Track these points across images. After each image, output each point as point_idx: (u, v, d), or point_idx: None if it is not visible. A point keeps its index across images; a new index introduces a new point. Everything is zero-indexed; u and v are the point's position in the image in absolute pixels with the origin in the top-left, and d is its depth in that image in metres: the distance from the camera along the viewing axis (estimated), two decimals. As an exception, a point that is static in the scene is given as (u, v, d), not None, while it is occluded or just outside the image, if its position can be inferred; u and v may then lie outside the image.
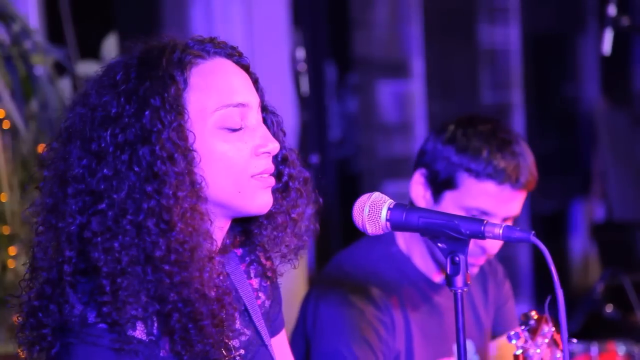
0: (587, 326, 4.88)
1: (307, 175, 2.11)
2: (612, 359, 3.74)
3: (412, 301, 2.74)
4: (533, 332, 2.32)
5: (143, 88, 1.91)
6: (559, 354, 2.35)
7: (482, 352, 2.87)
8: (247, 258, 2.13)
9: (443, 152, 2.65)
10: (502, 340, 2.96)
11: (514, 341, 2.30)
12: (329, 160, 5.64)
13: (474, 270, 2.74)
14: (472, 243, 2.56)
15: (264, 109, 2.07)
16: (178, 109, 1.91)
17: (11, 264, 3.58)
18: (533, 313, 2.34)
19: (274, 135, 2.05)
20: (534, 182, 2.68)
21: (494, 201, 2.63)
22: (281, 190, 2.06)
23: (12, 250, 3.58)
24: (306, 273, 4.60)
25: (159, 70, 1.92)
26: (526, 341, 2.30)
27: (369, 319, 2.64)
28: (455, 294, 1.93)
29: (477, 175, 2.62)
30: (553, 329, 2.34)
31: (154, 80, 1.92)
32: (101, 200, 1.88)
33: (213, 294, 1.91)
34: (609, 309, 4.85)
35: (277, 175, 2.04)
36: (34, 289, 1.94)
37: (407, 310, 2.71)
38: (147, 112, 1.89)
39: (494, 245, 2.65)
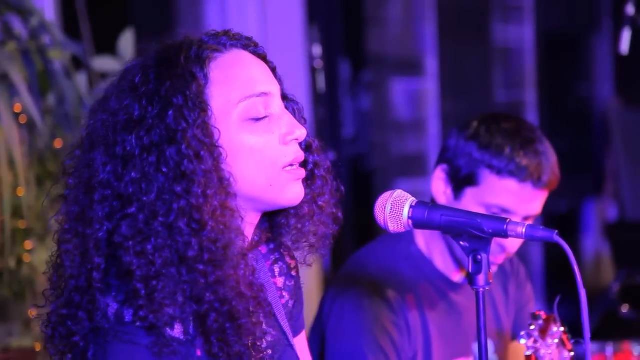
0: (603, 326, 4.87)
1: (330, 163, 2.09)
2: (627, 359, 3.73)
3: (430, 300, 2.73)
4: (542, 332, 2.31)
5: (164, 88, 1.89)
6: (566, 354, 2.34)
7: (501, 352, 2.86)
8: (272, 256, 2.12)
9: (465, 148, 2.64)
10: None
11: (523, 341, 2.29)
12: (343, 157, 5.63)
13: (493, 269, 2.73)
14: (492, 241, 2.58)
15: (284, 97, 2.05)
16: (201, 106, 1.89)
17: (27, 258, 3.57)
18: (542, 313, 2.33)
19: None
20: (556, 181, 2.66)
21: (515, 199, 2.62)
22: (307, 178, 2.03)
23: (28, 245, 3.57)
24: (321, 270, 4.59)
25: (178, 69, 1.91)
26: (536, 341, 2.29)
27: (383, 323, 2.63)
28: (477, 293, 1.91)
29: (499, 172, 2.61)
30: (562, 329, 2.33)
31: (174, 79, 1.90)
32: (130, 204, 1.86)
33: (249, 291, 1.89)
34: (624, 309, 4.84)
35: (303, 163, 2.01)
36: (61, 298, 1.92)
37: (424, 310, 2.71)
38: (170, 112, 1.87)
39: (513, 244, 2.64)
